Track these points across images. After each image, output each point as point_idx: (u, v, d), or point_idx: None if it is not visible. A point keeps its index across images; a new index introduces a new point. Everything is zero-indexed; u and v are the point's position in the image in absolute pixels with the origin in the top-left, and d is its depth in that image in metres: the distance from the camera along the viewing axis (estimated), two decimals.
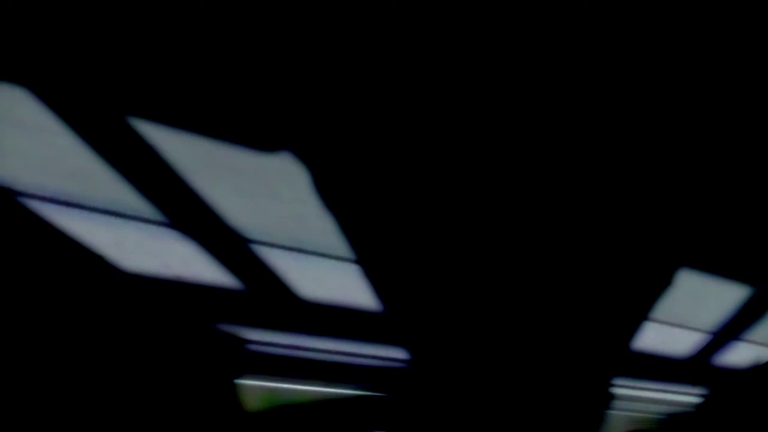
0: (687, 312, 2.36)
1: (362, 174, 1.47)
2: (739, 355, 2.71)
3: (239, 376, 1.74)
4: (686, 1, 1.32)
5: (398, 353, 1.94)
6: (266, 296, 1.64)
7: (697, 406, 2.84)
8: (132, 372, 1.59)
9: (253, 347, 1.71)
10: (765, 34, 1.40)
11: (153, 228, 1.44)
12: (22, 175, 1.28)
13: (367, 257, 1.65)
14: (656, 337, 2.40)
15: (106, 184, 1.34)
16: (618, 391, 2.56)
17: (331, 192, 1.48)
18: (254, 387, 1.77)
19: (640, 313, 2.27)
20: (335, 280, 1.67)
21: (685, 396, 2.77)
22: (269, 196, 1.45)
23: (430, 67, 1.32)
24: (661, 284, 2.20)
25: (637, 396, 2.61)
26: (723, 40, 1.40)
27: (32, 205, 1.33)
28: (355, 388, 1.94)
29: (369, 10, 1.20)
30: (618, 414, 2.62)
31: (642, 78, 1.47)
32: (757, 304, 2.44)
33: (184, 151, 1.33)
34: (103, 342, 1.54)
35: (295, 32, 1.21)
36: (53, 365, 1.51)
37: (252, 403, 1.79)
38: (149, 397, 1.63)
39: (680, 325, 2.41)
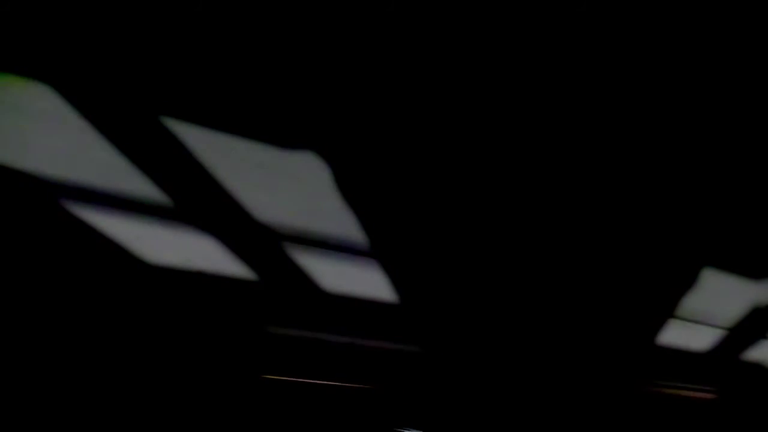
0: (711, 309, 2.32)
1: (383, 170, 1.44)
2: (763, 352, 2.67)
3: (261, 371, 1.75)
4: (687, 1, 1.27)
5: (418, 348, 1.93)
6: (287, 291, 1.63)
7: (720, 403, 2.80)
8: (153, 366, 1.60)
9: (274, 342, 1.71)
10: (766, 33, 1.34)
11: (175, 222, 1.43)
12: (45, 169, 1.28)
13: (387, 252, 1.63)
14: (679, 334, 2.36)
15: (129, 177, 1.34)
16: (640, 387, 2.54)
17: (353, 188, 1.46)
18: (275, 381, 1.77)
19: (664, 310, 2.23)
20: (356, 275, 1.65)
21: (707, 393, 2.73)
22: (292, 190, 1.43)
23: (451, 64, 1.28)
24: (685, 282, 2.16)
25: (660, 392, 2.58)
26: (731, 35, 1.35)
27: (55, 199, 1.32)
28: (373, 383, 1.94)
29: (393, 8, 1.16)
30: (640, 410, 2.60)
31: (658, 73, 1.42)
32: None
33: (207, 145, 1.32)
34: (125, 335, 1.55)
35: (321, 29, 1.17)
36: (74, 357, 1.52)
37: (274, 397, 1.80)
38: (171, 391, 1.64)
39: (704, 323, 2.37)
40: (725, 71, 1.45)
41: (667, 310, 2.24)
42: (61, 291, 1.45)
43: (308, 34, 1.19)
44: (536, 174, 1.57)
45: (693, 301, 2.26)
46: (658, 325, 2.28)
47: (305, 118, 1.32)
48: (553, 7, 1.25)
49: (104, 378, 1.57)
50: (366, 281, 1.68)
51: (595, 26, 1.30)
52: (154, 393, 1.64)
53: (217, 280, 1.55)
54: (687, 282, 2.17)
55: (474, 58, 1.31)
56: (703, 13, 1.32)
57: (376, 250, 1.62)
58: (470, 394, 2.15)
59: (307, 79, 1.26)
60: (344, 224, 1.53)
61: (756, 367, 2.74)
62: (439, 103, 1.37)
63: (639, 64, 1.38)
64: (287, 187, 1.43)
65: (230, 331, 1.66)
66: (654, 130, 1.55)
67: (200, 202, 1.41)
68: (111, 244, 1.42)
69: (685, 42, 1.35)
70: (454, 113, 1.39)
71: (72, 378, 1.54)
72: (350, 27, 1.20)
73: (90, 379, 1.56)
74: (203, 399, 1.70)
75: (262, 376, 1.77)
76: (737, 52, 1.39)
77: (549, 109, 1.44)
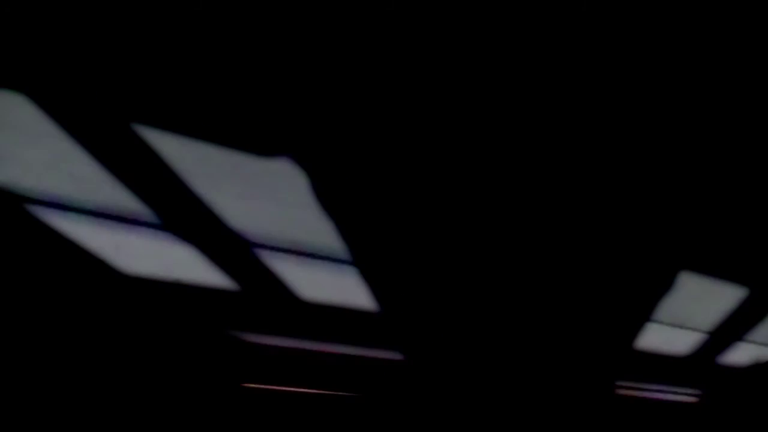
0: (688, 312, 2.36)
1: (361, 178, 1.47)
2: (739, 355, 2.71)
3: (239, 380, 1.75)
4: (687, 2, 1.32)
5: (397, 355, 1.94)
6: (266, 299, 1.64)
7: (698, 405, 2.84)
8: (132, 376, 1.59)
9: (253, 350, 1.71)
10: (765, 33, 1.40)
11: (152, 231, 1.44)
12: (22, 180, 1.28)
13: (365, 259, 1.65)
14: (657, 337, 2.39)
15: (106, 187, 1.35)
16: (619, 391, 2.56)
17: (330, 195, 1.48)
18: (254, 390, 1.77)
19: (642, 314, 2.26)
20: (334, 282, 1.67)
21: (685, 396, 2.77)
22: (269, 199, 1.45)
23: (429, 69, 1.31)
24: (662, 286, 2.19)
25: (639, 396, 2.61)
26: (723, 40, 1.40)
27: (32, 209, 1.33)
28: (354, 391, 1.95)
29: (367, 12, 1.19)
30: (619, 413, 2.62)
31: (641, 79, 1.47)
32: (757, 304, 2.43)
33: (183, 154, 1.33)
34: (103, 345, 1.55)
35: (296, 35, 1.20)
36: (53, 368, 1.51)
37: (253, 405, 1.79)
38: (150, 401, 1.63)
39: (681, 326, 2.41)
40: (704, 81, 1.50)
41: (646, 313, 2.27)
42: (39, 301, 1.44)
43: (286, 44, 1.22)
44: (513, 180, 1.60)
45: (672, 304, 2.30)
46: (638, 328, 2.31)
47: (282, 126, 1.34)
48: (553, 6, 1.27)
49: (83, 389, 1.56)
50: (343, 288, 1.69)
51: (593, 27, 1.34)
52: (133, 402, 1.63)
53: (194, 290, 1.56)
54: (666, 285, 2.20)
55: (459, 63, 1.34)
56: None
57: (354, 258, 1.64)
58: (453, 400, 2.15)
59: (284, 88, 1.29)
60: (321, 232, 1.55)
61: (736, 369, 2.78)
62: (419, 108, 1.40)
63: (606, 75, 1.42)
64: (264, 194, 1.44)
65: (209, 340, 1.66)
66: (634, 137, 1.60)
67: (177, 210, 1.42)
68: (89, 254, 1.43)
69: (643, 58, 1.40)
70: (432, 120, 1.42)
71: (49, 386, 1.53)
72: (327, 38, 1.23)
73: (69, 388, 1.55)
74: (183, 408, 1.70)
75: (242, 385, 1.77)
76: (704, 67, 1.44)
77: (527, 115, 1.48)
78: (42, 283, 1.43)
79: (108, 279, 1.48)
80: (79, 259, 1.44)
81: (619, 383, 2.51)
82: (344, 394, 1.94)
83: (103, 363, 1.57)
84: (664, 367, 2.56)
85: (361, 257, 1.64)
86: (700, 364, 2.65)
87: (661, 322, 2.35)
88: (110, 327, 1.54)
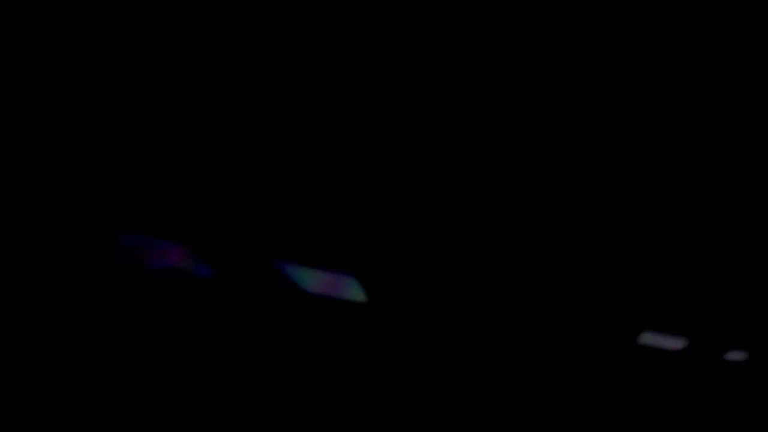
0: (683, 312, 2.37)
1: (357, 175, 1.48)
2: (737, 354, 2.72)
3: (239, 373, 1.77)
4: (686, 1, 1.31)
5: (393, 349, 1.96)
6: (264, 292, 1.66)
7: (693, 401, 2.85)
8: (130, 369, 1.62)
9: (251, 343, 1.74)
10: (764, 34, 1.39)
11: (152, 225, 1.46)
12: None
13: (361, 255, 1.67)
14: (653, 336, 2.40)
15: (105, 181, 1.37)
16: (616, 388, 2.57)
17: (326, 192, 1.49)
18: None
19: (639, 313, 2.27)
20: (329, 278, 1.69)
21: (680, 393, 2.78)
22: (267, 196, 1.46)
23: (425, 69, 1.32)
24: (659, 286, 2.20)
25: (635, 394, 2.62)
26: (721, 43, 1.39)
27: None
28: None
29: (364, 14, 1.20)
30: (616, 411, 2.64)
31: (643, 79, 1.46)
32: (753, 303, 2.43)
33: (184, 150, 1.35)
34: (101, 338, 1.57)
35: (297, 38, 1.21)
36: (51, 360, 1.54)
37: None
38: (150, 395, 1.66)
39: (677, 325, 2.42)
40: (702, 84, 1.49)
41: (642, 312, 2.28)
42: (37, 293, 1.47)
43: (287, 46, 1.23)
44: (509, 182, 1.61)
45: (671, 304, 2.30)
46: (634, 328, 2.32)
47: (282, 124, 1.36)
48: (553, 6, 1.27)
49: (80, 379, 1.59)
50: (339, 282, 1.71)
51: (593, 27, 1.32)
52: (133, 396, 1.66)
53: (194, 282, 1.58)
54: (662, 287, 2.21)
55: (459, 62, 1.34)
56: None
57: (348, 253, 1.65)
58: (450, 395, 2.18)
59: (282, 86, 1.30)
60: (318, 228, 1.57)
61: (734, 367, 2.79)
62: (411, 108, 1.40)
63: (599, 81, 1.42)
64: (262, 191, 1.46)
65: (204, 333, 1.68)
66: (636, 141, 1.59)
67: (176, 205, 1.44)
68: (87, 248, 1.45)
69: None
70: (426, 119, 1.43)
71: (46, 379, 1.56)
72: (327, 37, 1.23)
73: (66, 380, 1.58)
74: (184, 403, 1.73)
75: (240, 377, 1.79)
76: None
77: (520, 118, 1.48)
78: (41, 275, 1.45)
79: (107, 273, 1.50)
80: (77, 252, 1.46)
81: (616, 380, 2.53)
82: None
83: (102, 356, 1.60)
84: (659, 363, 2.57)
85: (357, 252, 1.65)
86: (697, 363, 2.66)
87: (660, 321, 2.36)
88: (108, 319, 1.56)
